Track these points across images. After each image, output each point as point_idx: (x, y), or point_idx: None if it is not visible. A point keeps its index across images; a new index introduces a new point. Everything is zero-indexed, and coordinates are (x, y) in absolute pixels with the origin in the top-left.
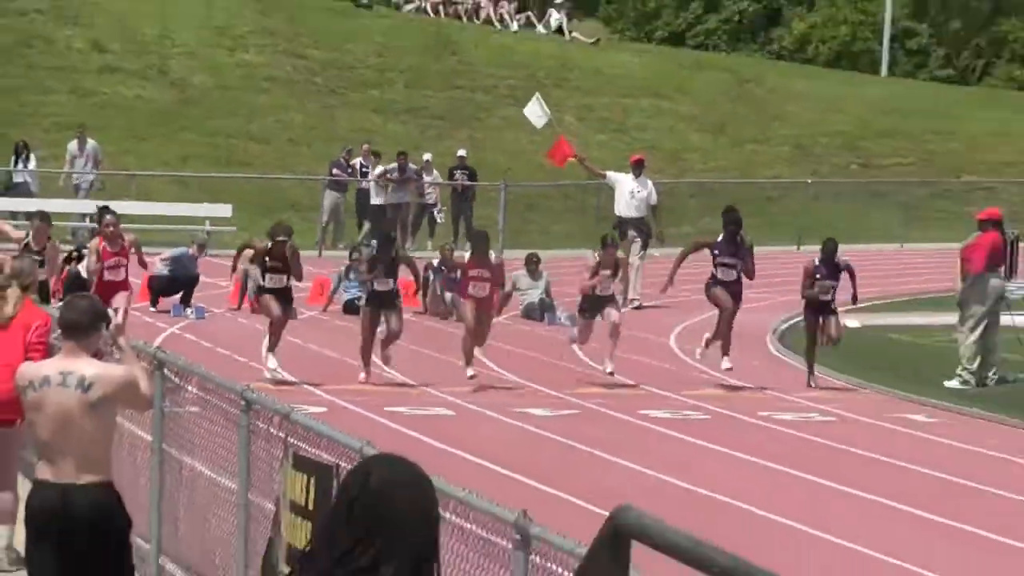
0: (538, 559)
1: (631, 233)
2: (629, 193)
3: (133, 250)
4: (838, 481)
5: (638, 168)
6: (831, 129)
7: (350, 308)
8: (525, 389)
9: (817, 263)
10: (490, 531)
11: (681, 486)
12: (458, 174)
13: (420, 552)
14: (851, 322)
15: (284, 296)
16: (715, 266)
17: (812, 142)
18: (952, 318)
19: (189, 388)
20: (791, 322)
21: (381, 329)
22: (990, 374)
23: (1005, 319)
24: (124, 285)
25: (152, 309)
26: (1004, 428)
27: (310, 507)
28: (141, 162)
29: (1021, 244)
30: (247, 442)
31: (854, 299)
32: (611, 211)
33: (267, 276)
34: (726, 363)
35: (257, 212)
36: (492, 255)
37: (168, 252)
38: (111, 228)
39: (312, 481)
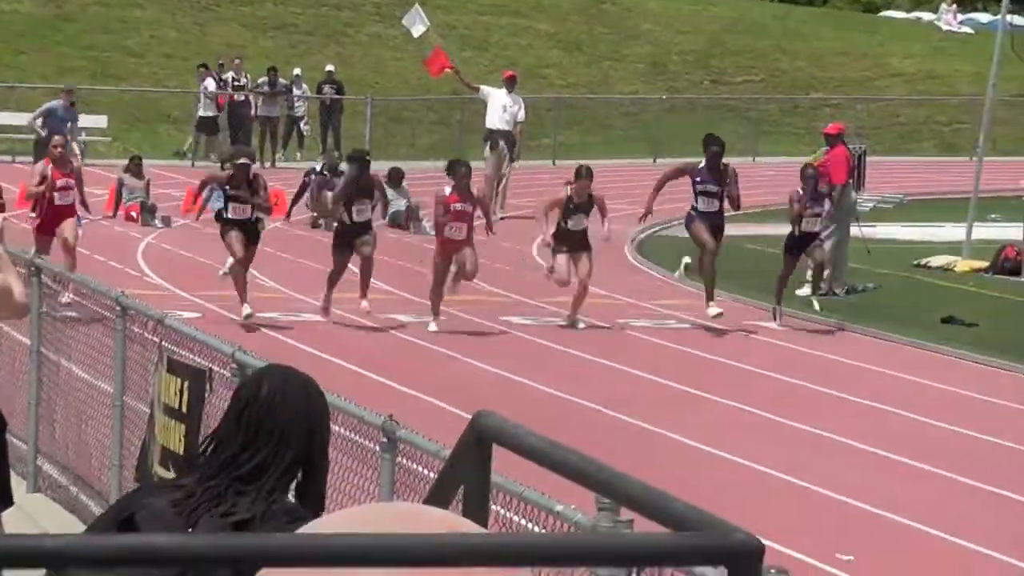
0: (404, 460)
1: (501, 144)
2: (502, 107)
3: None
4: (691, 385)
5: (511, 84)
6: (684, 47)
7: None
8: (392, 296)
9: (801, 191)
10: (358, 433)
11: (540, 389)
12: (326, 88)
13: (305, 459)
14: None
15: (250, 231)
16: (696, 195)
17: (666, 59)
18: None
19: (66, 294)
20: (648, 232)
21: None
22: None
23: (854, 230)
24: (72, 211)
25: (31, 215)
26: (851, 335)
27: (183, 410)
28: (20, 75)
29: (868, 158)
30: (123, 346)
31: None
32: (475, 124)
33: (229, 206)
34: (713, 309)
35: (132, 124)
36: (474, 189)
37: (39, 109)
38: (59, 149)
39: (186, 385)
